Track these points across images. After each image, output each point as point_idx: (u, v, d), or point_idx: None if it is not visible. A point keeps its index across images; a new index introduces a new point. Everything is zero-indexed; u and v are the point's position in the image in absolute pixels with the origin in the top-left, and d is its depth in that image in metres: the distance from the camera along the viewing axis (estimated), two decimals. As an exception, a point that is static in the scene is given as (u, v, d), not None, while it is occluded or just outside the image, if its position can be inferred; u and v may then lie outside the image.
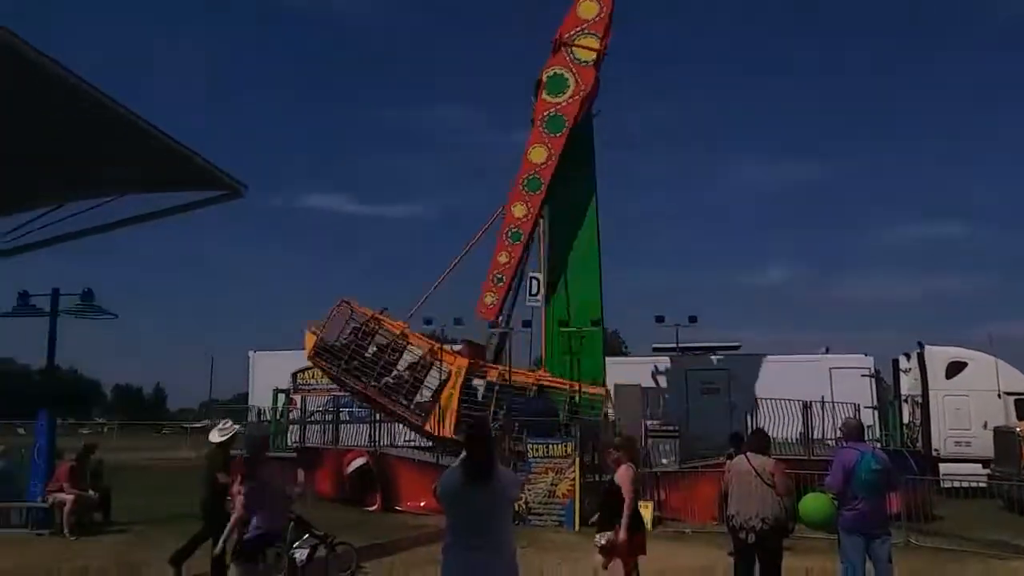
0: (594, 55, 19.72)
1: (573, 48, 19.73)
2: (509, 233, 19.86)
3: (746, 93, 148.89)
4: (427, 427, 18.46)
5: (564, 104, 19.72)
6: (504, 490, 4.75)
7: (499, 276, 19.78)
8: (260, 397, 26.20)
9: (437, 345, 19.41)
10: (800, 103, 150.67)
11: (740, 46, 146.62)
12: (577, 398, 17.97)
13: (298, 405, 23.93)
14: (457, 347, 19.98)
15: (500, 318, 19.97)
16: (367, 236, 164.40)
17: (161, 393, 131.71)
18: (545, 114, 19.80)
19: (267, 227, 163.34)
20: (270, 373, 26.83)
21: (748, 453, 8.55)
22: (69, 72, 4.09)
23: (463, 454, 4.84)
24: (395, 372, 18.91)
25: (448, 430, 17.81)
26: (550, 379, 18.75)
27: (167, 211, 5.84)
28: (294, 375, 26.78)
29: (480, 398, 18.51)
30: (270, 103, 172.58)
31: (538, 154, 19.81)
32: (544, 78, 19.89)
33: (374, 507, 17.92)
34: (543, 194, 19.83)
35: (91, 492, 15.08)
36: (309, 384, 26.66)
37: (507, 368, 18.99)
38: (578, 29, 19.80)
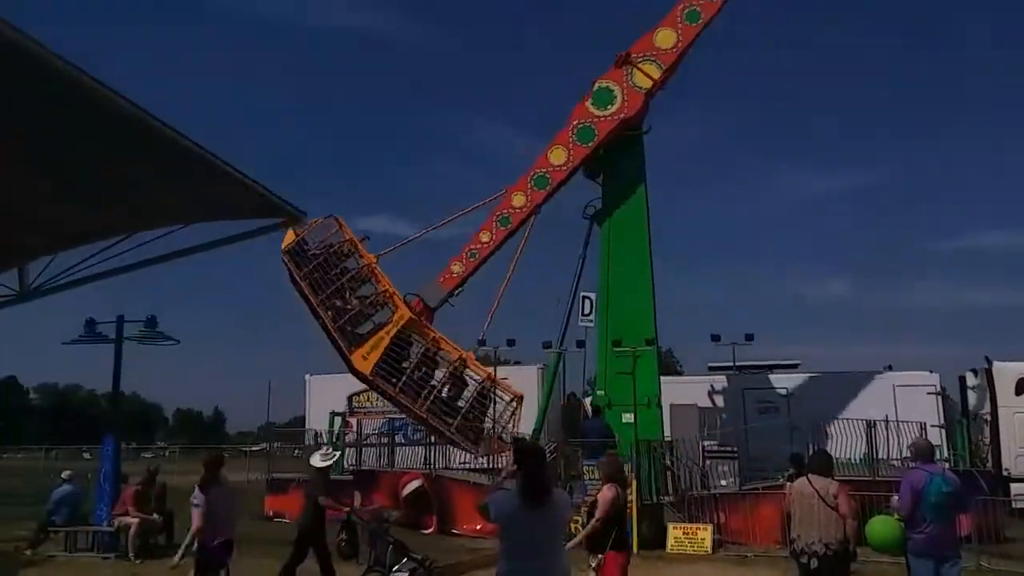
0: (650, 84, 19.64)
1: (634, 69, 19.68)
2: (499, 217, 19.95)
3: (804, 100, 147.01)
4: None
5: (601, 119, 19.72)
6: (560, 513, 4.72)
7: (474, 252, 19.96)
8: (317, 420, 26.48)
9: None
10: (865, 105, 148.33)
11: (806, 54, 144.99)
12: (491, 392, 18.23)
13: (354, 428, 24.15)
14: (412, 299, 19.77)
15: (458, 291, 20.15)
16: (415, 256, 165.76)
17: (220, 417, 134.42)
18: (579, 122, 19.83)
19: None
20: (326, 396, 27.10)
21: (810, 475, 8.33)
22: (136, 105, 4.21)
23: (518, 477, 4.81)
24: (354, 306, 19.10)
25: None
26: (472, 362, 18.92)
27: (230, 239, 5.96)
28: (350, 398, 27.03)
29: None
30: (318, 127, 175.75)
31: (557, 156, 19.90)
32: (594, 87, 19.91)
33: (430, 530, 17.94)
34: (545, 195, 19.94)
35: (155, 516, 15.38)
36: (364, 407, 26.91)
37: (442, 336, 19.12)
38: (647, 54, 19.68)
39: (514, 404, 18.00)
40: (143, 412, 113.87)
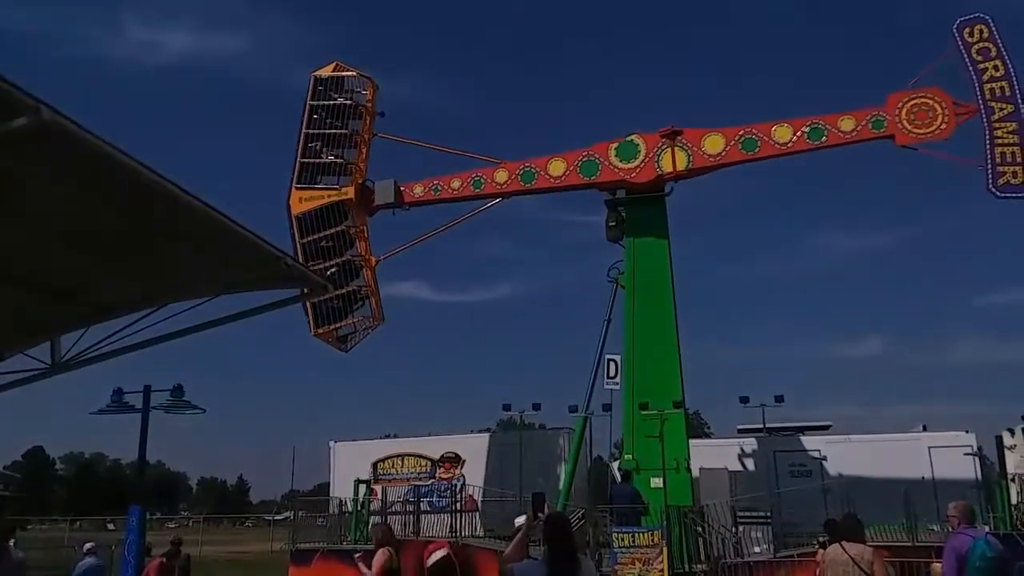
0: (671, 172, 20.07)
1: (669, 148, 19.94)
2: (475, 178, 21.19)
3: (827, 159, 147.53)
4: None
5: (610, 167, 20.14)
6: None
7: (438, 187, 21.38)
8: (341, 487, 26.22)
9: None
10: (885, 165, 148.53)
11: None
12: None
13: (379, 495, 23.86)
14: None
15: (406, 208, 21.64)
16: (443, 323, 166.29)
17: (244, 485, 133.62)
18: (592, 155, 20.51)
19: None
20: (350, 463, 26.91)
21: (843, 542, 8.08)
22: (165, 178, 4.30)
23: (544, 548, 4.72)
24: None
25: None
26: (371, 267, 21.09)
27: (257, 310, 6.01)
28: (374, 465, 26.82)
29: None
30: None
31: (556, 167, 20.69)
32: (628, 137, 20.30)
33: (457, 600, 17.55)
34: (524, 190, 20.96)
35: (180, 587, 15.16)
36: (389, 474, 26.67)
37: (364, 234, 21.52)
38: (690, 145, 19.92)
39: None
40: (168, 480, 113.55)
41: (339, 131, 20.60)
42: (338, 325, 20.56)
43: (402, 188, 21.20)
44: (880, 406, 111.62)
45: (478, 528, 20.26)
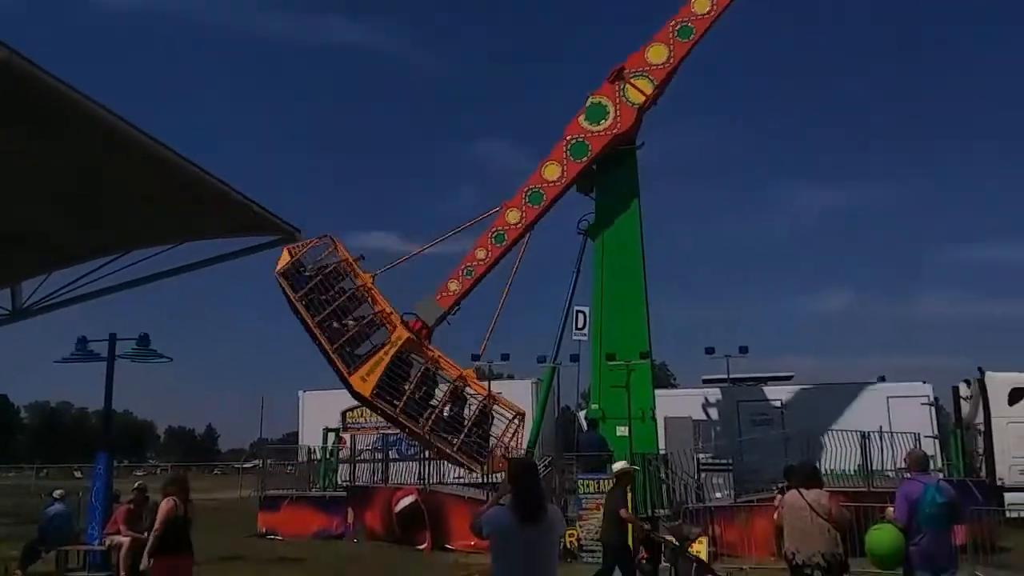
0: (643, 99, 19.76)
1: (627, 85, 19.79)
2: (494, 234, 19.87)
3: (801, 115, 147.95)
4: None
5: (594, 134, 19.80)
6: (552, 530, 4.70)
7: (468, 269, 19.79)
8: (310, 436, 26.39)
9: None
10: (860, 122, 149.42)
11: (790, 70, 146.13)
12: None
13: (347, 444, 24.04)
14: (410, 318, 19.57)
15: (455, 309, 19.93)
16: (411, 273, 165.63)
17: (212, 434, 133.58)
18: (572, 137, 19.90)
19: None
20: (320, 412, 27.01)
21: (800, 488, 8.33)
22: (131, 125, 4.22)
23: (511, 493, 4.79)
24: (353, 323, 18.77)
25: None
26: (472, 380, 18.84)
27: (224, 256, 5.96)
28: (343, 414, 26.91)
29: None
30: (313, 142, 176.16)
31: (551, 171, 19.91)
32: (588, 102, 20.00)
33: (424, 546, 17.84)
34: (540, 210, 19.89)
35: (147, 534, 15.20)
36: (358, 423, 26.79)
37: (441, 355, 19.01)
38: (639, 69, 19.81)
39: (516, 421, 17.96)
40: (135, 430, 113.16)
41: (340, 299, 18.73)
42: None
43: (438, 296, 19.86)
44: (844, 358, 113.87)
45: (448, 475, 20.48)
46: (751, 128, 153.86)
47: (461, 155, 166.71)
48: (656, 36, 19.96)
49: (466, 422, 17.94)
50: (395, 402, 17.80)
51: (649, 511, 16.91)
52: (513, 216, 19.86)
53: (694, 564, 9.73)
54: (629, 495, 11.65)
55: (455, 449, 17.70)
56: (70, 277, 6.05)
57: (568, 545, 15.65)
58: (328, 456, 24.50)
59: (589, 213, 21.04)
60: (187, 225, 5.73)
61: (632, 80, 19.78)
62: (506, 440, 17.75)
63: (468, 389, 18.50)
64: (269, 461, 26.27)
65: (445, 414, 18.03)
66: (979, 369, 21.94)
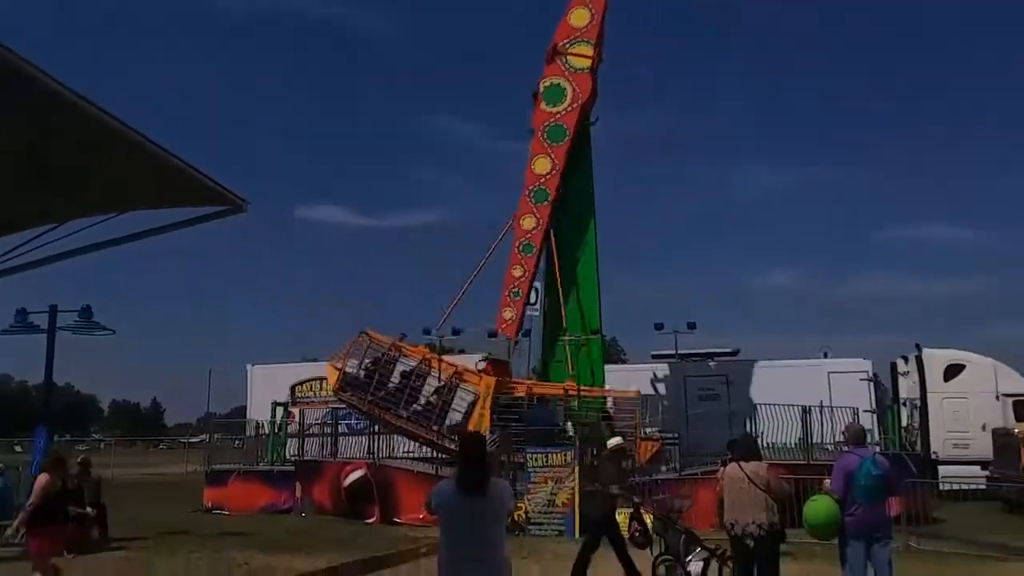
0: (589, 62, 19.77)
1: (568, 57, 19.78)
2: (521, 246, 19.74)
3: (743, 97, 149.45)
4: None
5: (563, 113, 19.75)
6: (498, 502, 4.75)
7: (515, 290, 19.59)
8: (258, 410, 26.15)
9: (462, 367, 19.18)
10: (800, 104, 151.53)
11: (732, 50, 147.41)
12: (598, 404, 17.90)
13: (296, 418, 23.87)
14: (480, 365, 19.74)
15: (520, 334, 19.73)
16: (368, 248, 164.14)
17: (158, 408, 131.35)
18: (545, 124, 19.82)
19: (265, 240, 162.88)
20: (268, 386, 26.79)
21: (741, 460, 8.55)
22: (71, 90, 4.10)
23: (456, 466, 4.85)
24: (423, 398, 18.51)
25: None
26: (582, 389, 18.40)
27: (167, 227, 5.83)
28: (293, 388, 26.72)
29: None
30: (268, 115, 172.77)
31: (542, 165, 19.82)
32: (541, 88, 19.93)
33: (372, 519, 17.87)
34: (550, 205, 19.79)
35: (89, 509, 14.98)
36: (307, 397, 26.63)
37: (534, 382, 18.85)
38: (571, 38, 19.86)
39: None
40: (78, 404, 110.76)
41: (406, 380, 18.55)
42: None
43: (499, 329, 19.69)
44: (788, 335, 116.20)
45: (397, 450, 20.50)
46: (703, 107, 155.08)
47: (417, 129, 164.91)
48: (572, 3, 20.04)
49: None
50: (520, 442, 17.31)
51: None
52: (529, 222, 19.72)
53: (682, 536, 9.92)
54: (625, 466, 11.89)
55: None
56: (7, 246, 5.87)
57: (516, 518, 15.82)
58: (276, 430, 24.33)
59: (543, 189, 21.06)
60: (130, 194, 5.59)
61: (570, 51, 19.80)
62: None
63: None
64: (216, 435, 26.00)
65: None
66: (917, 346, 22.64)
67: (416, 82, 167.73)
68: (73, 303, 16.96)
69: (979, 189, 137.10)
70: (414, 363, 18.72)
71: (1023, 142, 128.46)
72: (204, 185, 5.17)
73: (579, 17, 19.94)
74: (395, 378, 18.65)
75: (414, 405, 18.37)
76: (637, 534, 11.02)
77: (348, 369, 18.78)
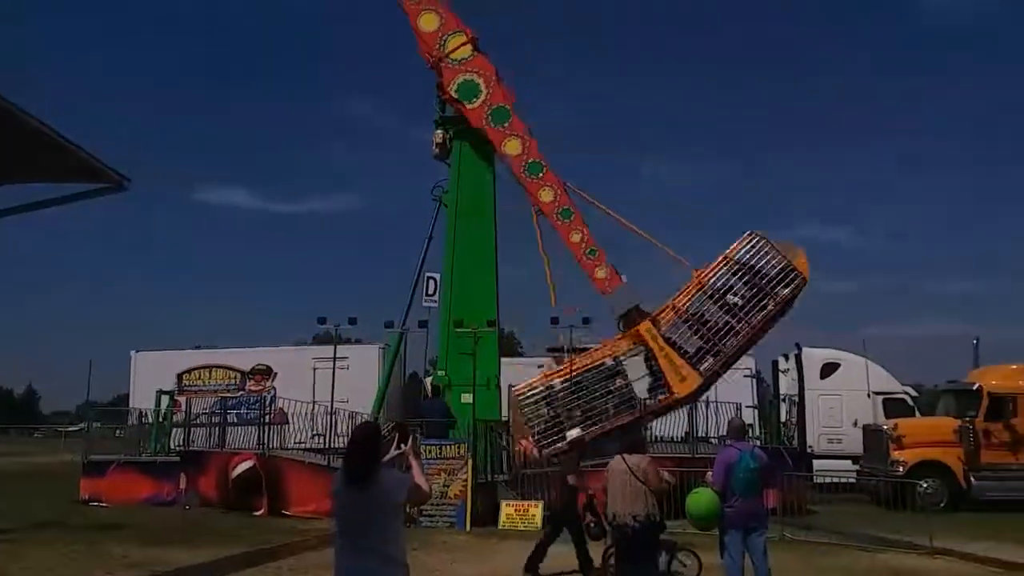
0: (469, 45, 19.65)
1: (450, 56, 19.56)
2: (559, 213, 18.95)
3: (630, 94, 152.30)
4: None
5: (491, 95, 19.47)
6: (386, 493, 4.72)
7: (591, 250, 18.78)
8: (142, 399, 25.11)
9: (609, 344, 18.29)
10: (693, 103, 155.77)
11: (635, 48, 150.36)
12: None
13: (183, 407, 23.07)
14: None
15: (623, 285, 18.59)
16: (268, 233, 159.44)
17: (33, 395, 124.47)
18: (486, 116, 19.50)
19: (155, 223, 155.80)
20: (154, 374, 25.81)
21: (624, 454, 8.81)
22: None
23: (344, 455, 4.83)
24: (604, 392, 17.59)
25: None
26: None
27: (44, 203, 5.53)
28: (179, 376, 25.84)
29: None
30: (164, 95, 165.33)
31: (513, 146, 19.30)
32: (453, 95, 19.56)
33: (260, 512, 17.48)
34: (553, 172, 19.21)
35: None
36: (195, 385, 25.83)
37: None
38: (438, 40, 19.61)
39: None
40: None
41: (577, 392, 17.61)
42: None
43: (606, 288, 18.55)
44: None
45: (288, 441, 20.11)
46: (608, 102, 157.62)
47: (326, 111, 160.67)
48: (412, 13, 19.78)
49: None
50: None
51: (489, 477, 17.30)
52: (547, 195, 18.99)
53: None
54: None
55: None
56: None
57: (408, 509, 15.77)
58: (161, 420, 23.44)
59: (444, 179, 21.03)
60: (2, 166, 5.29)
61: (447, 52, 19.54)
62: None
63: None
64: (95, 424, 24.90)
65: None
66: (797, 345, 23.67)
67: (321, 62, 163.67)
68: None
69: (847, 190, 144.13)
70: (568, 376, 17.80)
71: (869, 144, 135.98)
72: (84, 161, 4.94)
73: (429, 22, 19.68)
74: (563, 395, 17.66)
75: (607, 403, 17.44)
76: (592, 525, 11.22)
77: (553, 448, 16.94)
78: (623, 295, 18.41)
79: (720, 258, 17.87)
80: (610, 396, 17.42)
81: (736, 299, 17.41)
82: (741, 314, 17.23)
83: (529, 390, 17.69)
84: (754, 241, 17.87)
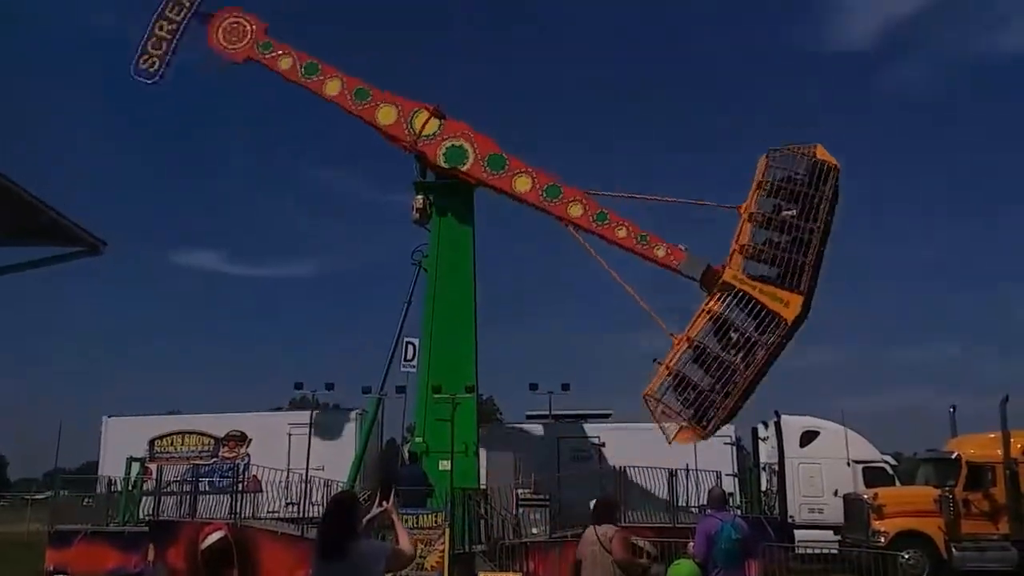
0: (434, 118, 20.15)
1: (422, 135, 20.04)
2: (595, 217, 19.17)
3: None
4: None
5: (478, 149, 19.87)
6: (365, 564, 4.60)
7: (640, 236, 18.91)
8: (112, 466, 24.46)
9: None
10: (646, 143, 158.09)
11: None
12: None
13: (153, 474, 22.53)
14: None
15: (686, 253, 18.79)
16: (241, 296, 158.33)
17: (1, 461, 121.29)
18: (483, 168, 19.85)
19: (127, 286, 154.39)
20: (125, 440, 25.20)
21: (596, 524, 8.60)
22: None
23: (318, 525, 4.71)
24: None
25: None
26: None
27: (18, 266, 5.47)
28: (152, 442, 25.33)
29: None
30: (139, 158, 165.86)
31: (523, 183, 19.66)
32: (444, 166, 19.99)
33: (231, 584, 16.95)
34: (571, 186, 19.56)
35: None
36: (168, 452, 25.32)
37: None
38: (405, 127, 20.19)
39: None
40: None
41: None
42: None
43: (673, 263, 18.78)
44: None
45: (262, 510, 19.65)
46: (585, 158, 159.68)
47: (291, 176, 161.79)
48: (366, 112, 20.55)
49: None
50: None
51: (467, 547, 16.95)
52: (576, 209, 19.27)
53: None
54: None
55: None
56: None
57: (386, 579, 15.38)
58: (131, 488, 22.85)
59: (424, 244, 21.16)
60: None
61: (420, 133, 20.13)
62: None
63: None
64: (63, 492, 24.21)
65: None
66: (776, 412, 23.63)
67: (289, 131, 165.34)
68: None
69: (844, 266, 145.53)
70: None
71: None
72: (60, 224, 4.91)
73: (386, 115, 20.35)
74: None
75: (735, 357, 17.51)
76: None
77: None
78: (691, 262, 18.63)
79: (754, 185, 18.16)
80: (733, 349, 17.51)
81: (789, 213, 17.78)
82: (801, 223, 17.53)
83: (660, 384, 17.70)
84: (777, 156, 18.38)
